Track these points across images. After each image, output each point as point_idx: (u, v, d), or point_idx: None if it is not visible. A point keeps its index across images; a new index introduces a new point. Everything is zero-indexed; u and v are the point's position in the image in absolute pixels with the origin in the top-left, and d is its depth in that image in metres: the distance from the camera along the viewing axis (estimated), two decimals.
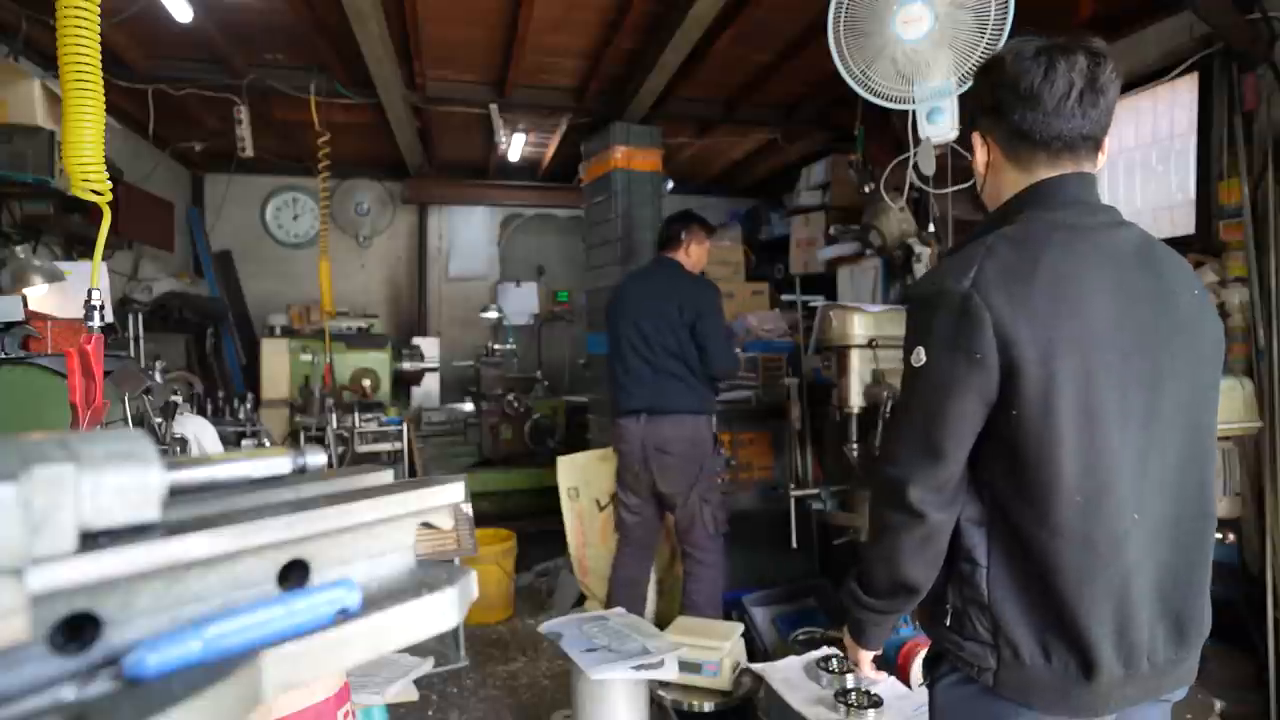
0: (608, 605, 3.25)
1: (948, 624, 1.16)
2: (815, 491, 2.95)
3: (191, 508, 0.42)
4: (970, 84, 2.13)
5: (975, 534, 1.13)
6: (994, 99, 1.18)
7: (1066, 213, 1.14)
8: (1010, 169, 1.21)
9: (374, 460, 4.36)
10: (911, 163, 2.34)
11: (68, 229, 3.78)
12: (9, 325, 1.87)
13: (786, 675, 2.29)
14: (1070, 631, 1.06)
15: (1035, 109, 1.13)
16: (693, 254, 3.36)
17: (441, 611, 0.46)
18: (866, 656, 1.33)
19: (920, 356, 1.12)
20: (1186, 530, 1.12)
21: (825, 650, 2.36)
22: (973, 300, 1.06)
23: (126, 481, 0.35)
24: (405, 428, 4.37)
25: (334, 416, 4.24)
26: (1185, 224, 2.98)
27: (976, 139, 1.25)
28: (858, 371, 2.62)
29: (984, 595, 1.11)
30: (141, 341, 3.29)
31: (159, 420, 2.25)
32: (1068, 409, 1.05)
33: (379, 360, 5.47)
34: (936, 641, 1.20)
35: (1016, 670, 1.09)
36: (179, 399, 2.51)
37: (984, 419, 1.09)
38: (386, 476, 0.57)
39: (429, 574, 0.50)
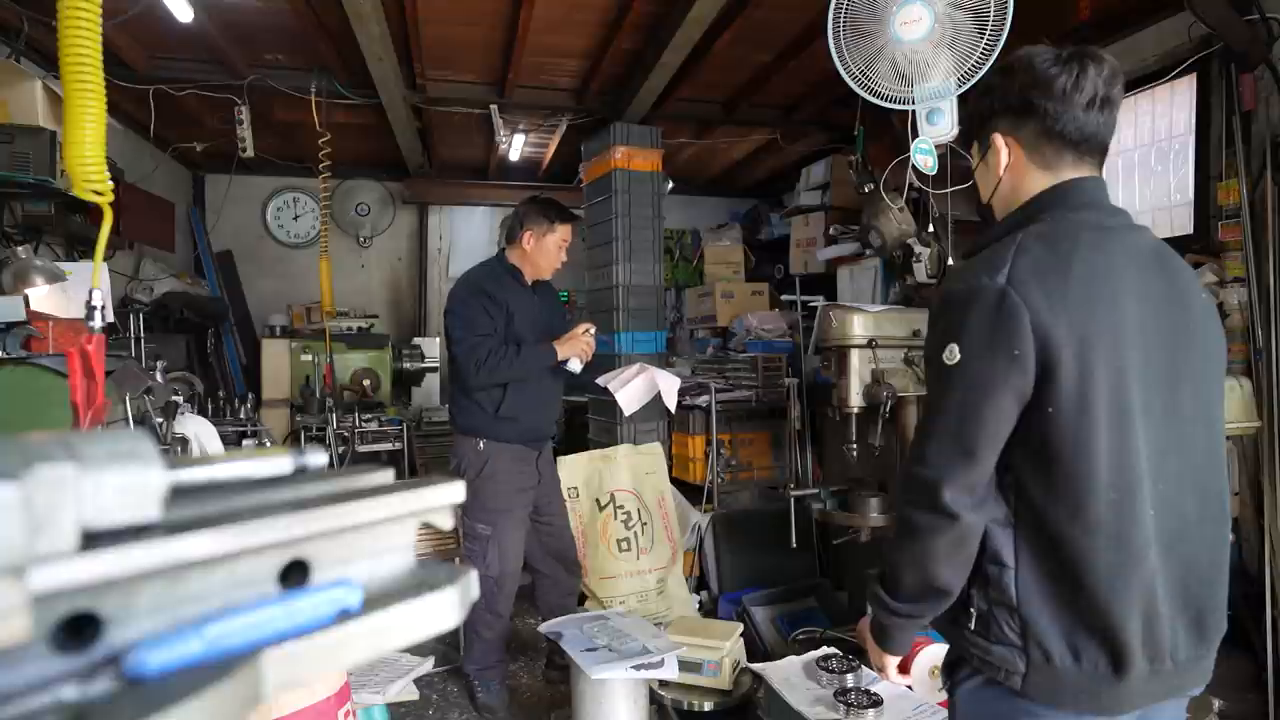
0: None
1: (972, 627, 1.13)
2: (815, 491, 2.95)
3: (192, 508, 0.42)
4: (966, 86, 2.15)
5: (1001, 535, 1.11)
6: (1022, 99, 1.17)
7: (1089, 214, 1.15)
8: (1033, 170, 1.20)
9: (374, 460, 4.36)
10: (911, 163, 2.34)
11: (69, 229, 3.78)
12: (10, 325, 1.87)
13: (786, 675, 2.29)
14: (1101, 630, 1.05)
15: (1069, 109, 1.14)
16: (532, 249, 2.77)
17: (441, 611, 0.46)
18: (892, 662, 1.30)
19: (954, 354, 1.09)
20: (1207, 527, 1.12)
21: (825, 650, 2.36)
22: (1010, 296, 1.05)
23: (127, 481, 0.35)
24: (405, 428, 4.37)
25: (334, 416, 4.25)
26: (1183, 224, 2.98)
27: (996, 140, 1.23)
28: (857, 371, 2.62)
29: (1012, 597, 1.09)
30: (142, 341, 3.30)
31: (160, 420, 2.25)
32: (1102, 405, 1.04)
33: (379, 360, 5.48)
34: (958, 646, 1.18)
35: (1046, 672, 1.07)
36: (180, 399, 2.51)
37: (1016, 417, 1.07)
38: (386, 476, 0.57)
39: (429, 574, 0.50)
